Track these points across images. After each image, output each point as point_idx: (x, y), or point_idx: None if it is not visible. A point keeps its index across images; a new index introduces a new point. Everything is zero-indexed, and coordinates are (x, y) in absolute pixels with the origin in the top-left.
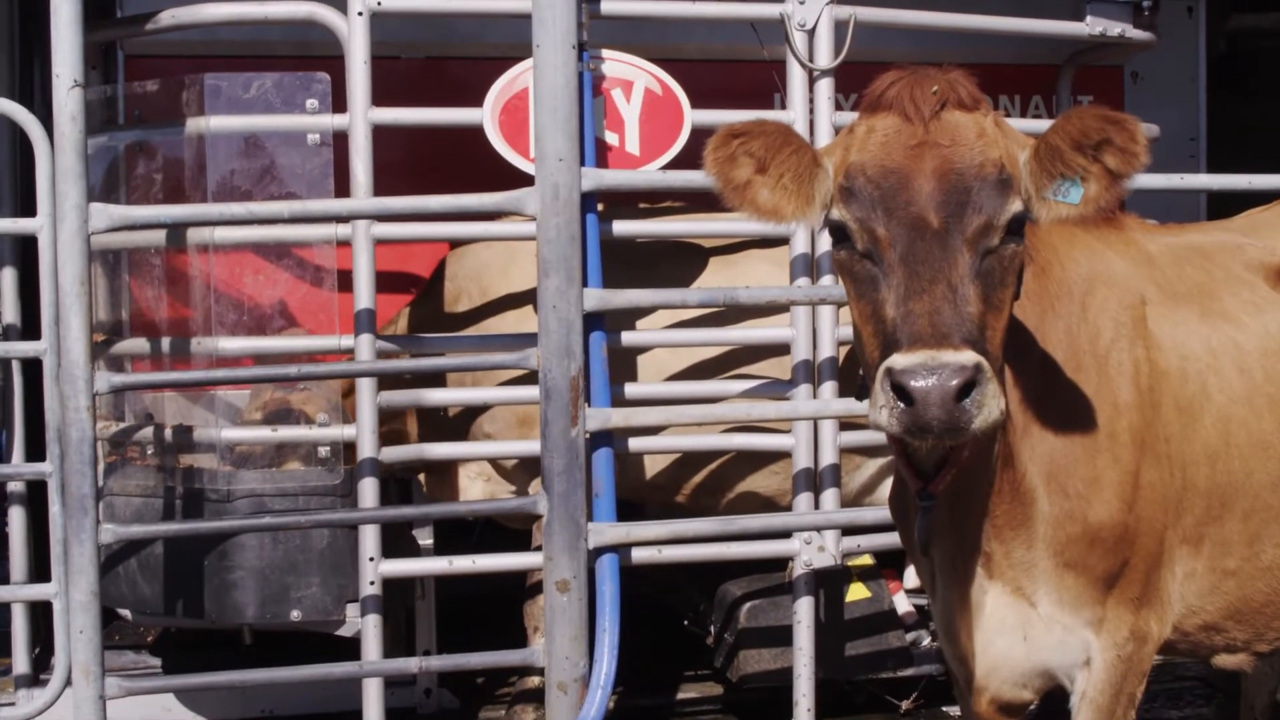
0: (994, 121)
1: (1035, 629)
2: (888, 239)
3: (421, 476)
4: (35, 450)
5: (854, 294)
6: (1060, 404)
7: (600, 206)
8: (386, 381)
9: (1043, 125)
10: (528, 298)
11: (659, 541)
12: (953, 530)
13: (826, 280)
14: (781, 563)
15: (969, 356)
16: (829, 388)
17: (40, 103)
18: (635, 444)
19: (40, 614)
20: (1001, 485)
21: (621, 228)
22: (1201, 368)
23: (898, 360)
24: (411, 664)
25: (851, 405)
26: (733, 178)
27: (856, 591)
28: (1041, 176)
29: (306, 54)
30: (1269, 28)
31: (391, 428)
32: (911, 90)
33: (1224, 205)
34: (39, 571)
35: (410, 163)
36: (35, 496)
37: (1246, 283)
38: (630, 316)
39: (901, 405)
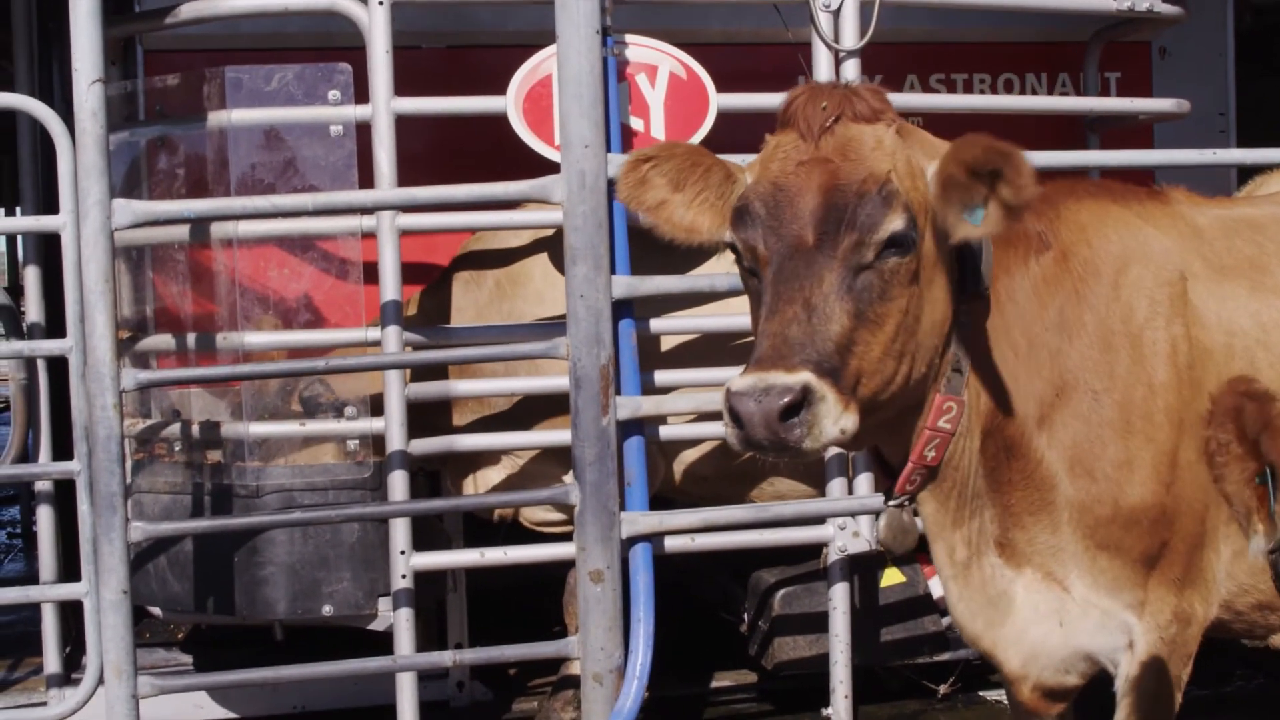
0: (897, 131)
1: (1071, 613)
2: (765, 257)
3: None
4: (61, 449)
5: (751, 311)
6: (1086, 388)
7: None
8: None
9: (1070, 104)
10: (559, 285)
11: (692, 530)
12: (953, 525)
13: None
14: (813, 549)
15: (797, 378)
16: None
17: (60, 99)
18: (666, 432)
19: (70, 613)
20: (1010, 475)
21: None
22: (1250, 343)
23: (734, 382)
24: (446, 657)
25: None
26: (645, 200)
27: (891, 576)
28: (943, 201)
29: (327, 45)
30: None
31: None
32: (805, 106)
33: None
34: (68, 570)
35: (430, 156)
36: (62, 495)
37: None
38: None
39: (735, 426)
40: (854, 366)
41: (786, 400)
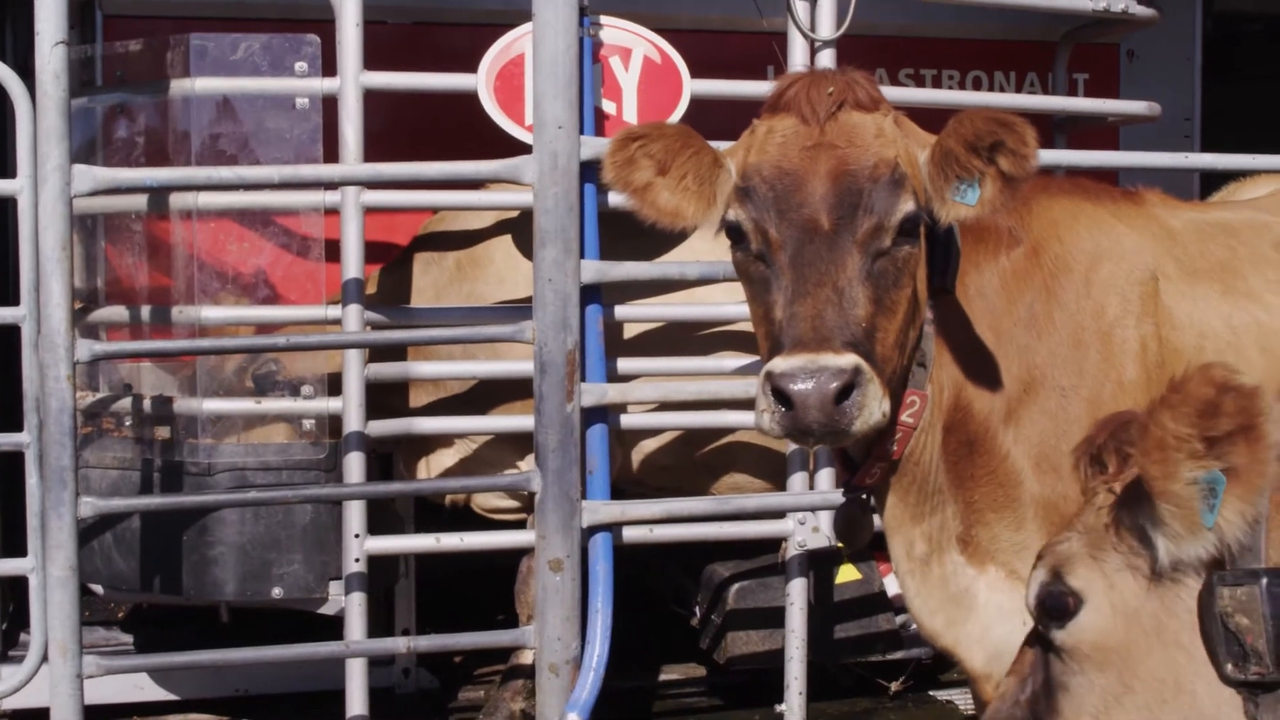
0: (894, 121)
1: None
2: (779, 241)
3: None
4: (3, 420)
5: (750, 295)
6: (1054, 385)
7: None
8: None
9: (1043, 103)
10: (520, 268)
11: (653, 520)
12: (912, 521)
13: None
14: (767, 544)
15: (848, 360)
16: None
17: (12, 62)
18: (629, 420)
19: (5, 589)
20: (974, 471)
21: (619, 199)
22: (1221, 346)
23: (778, 364)
24: (400, 644)
25: None
26: (632, 180)
27: (847, 573)
28: (939, 179)
29: (292, 17)
30: (1250, 11)
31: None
32: (808, 91)
33: (1216, 186)
34: (7, 546)
35: (389, 134)
36: (2, 468)
37: (1273, 262)
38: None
39: (782, 409)
40: (879, 352)
41: (840, 382)
